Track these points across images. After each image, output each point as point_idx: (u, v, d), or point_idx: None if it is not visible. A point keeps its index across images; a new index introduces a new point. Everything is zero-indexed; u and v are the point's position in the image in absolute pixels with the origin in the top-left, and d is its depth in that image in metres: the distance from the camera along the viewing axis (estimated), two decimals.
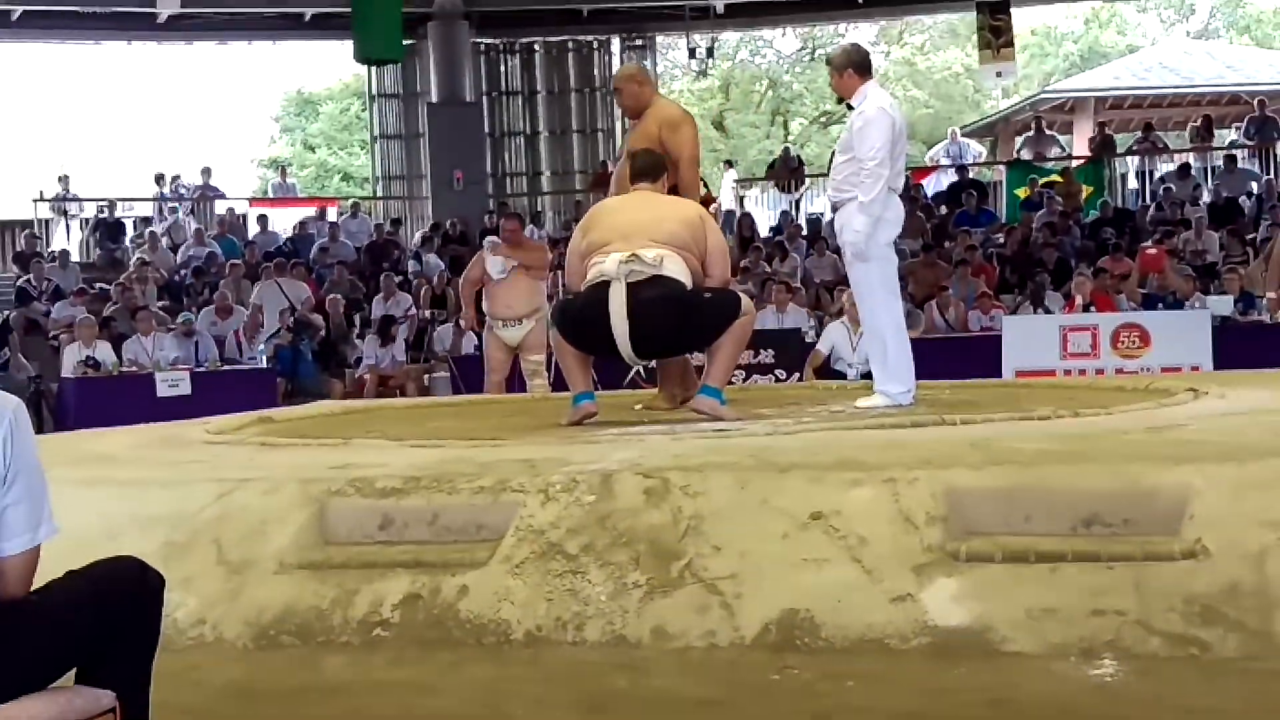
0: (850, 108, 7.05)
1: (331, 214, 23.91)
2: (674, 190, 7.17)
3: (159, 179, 24.34)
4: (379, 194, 26.23)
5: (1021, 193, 21.96)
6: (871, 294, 7.05)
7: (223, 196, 24.37)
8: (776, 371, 13.66)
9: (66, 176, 23.62)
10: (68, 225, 23.14)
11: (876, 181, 6.76)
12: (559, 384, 9.14)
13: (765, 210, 24.35)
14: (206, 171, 24.49)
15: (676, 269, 6.49)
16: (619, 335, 6.48)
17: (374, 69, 25.14)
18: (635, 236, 6.54)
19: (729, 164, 27.43)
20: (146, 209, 23.89)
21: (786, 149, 27.91)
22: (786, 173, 24.93)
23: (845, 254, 7.11)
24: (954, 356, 13.27)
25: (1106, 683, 3.70)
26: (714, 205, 7.94)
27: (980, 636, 3.96)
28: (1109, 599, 3.94)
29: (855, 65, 7.00)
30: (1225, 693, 3.56)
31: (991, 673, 3.78)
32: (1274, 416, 5.73)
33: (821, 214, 22.37)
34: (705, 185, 7.69)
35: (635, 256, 6.42)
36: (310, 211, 24.05)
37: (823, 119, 41.43)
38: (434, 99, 24.50)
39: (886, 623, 4.04)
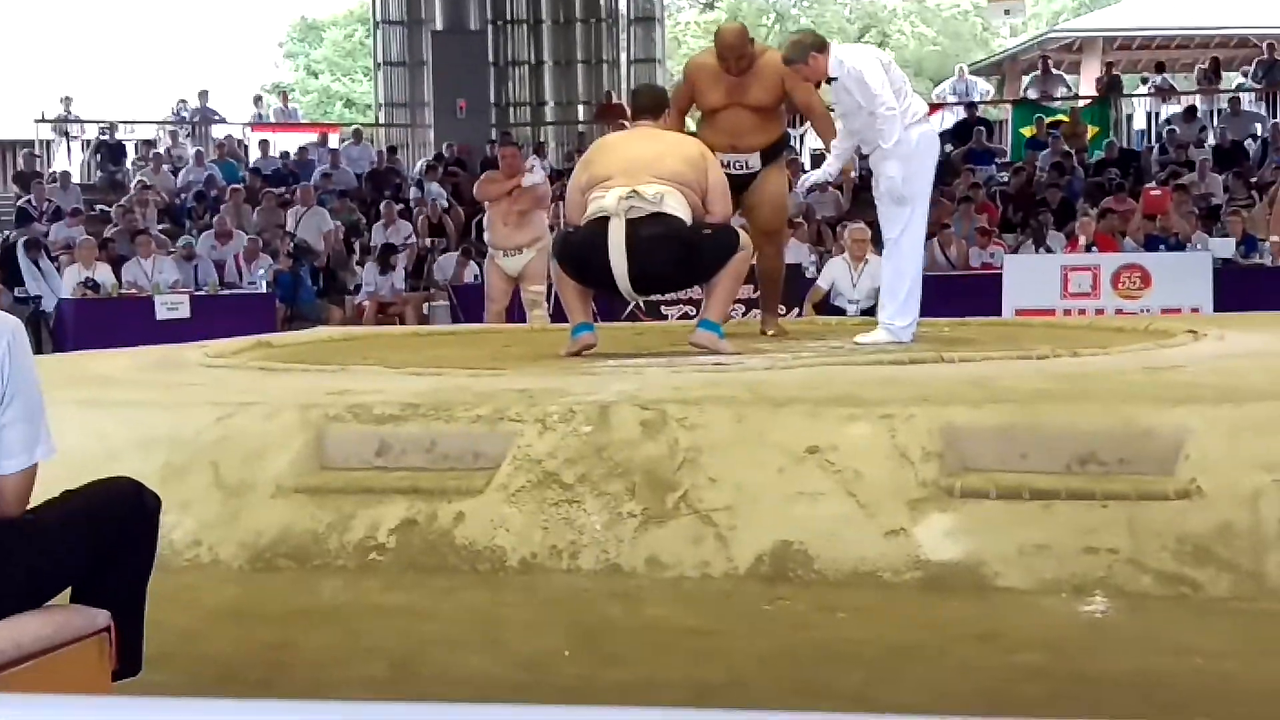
0: (832, 81, 6.99)
1: (333, 140, 23.78)
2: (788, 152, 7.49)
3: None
4: (381, 121, 26.10)
5: (1027, 132, 21.85)
6: (907, 229, 6.98)
7: (222, 120, 24.23)
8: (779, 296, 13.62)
9: (69, 98, 23.49)
10: (69, 146, 23.04)
11: (894, 123, 6.73)
12: (559, 315, 9.14)
13: None
14: (204, 95, 24.35)
15: (677, 205, 6.48)
16: (618, 272, 6.48)
17: None
18: (637, 172, 6.52)
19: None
20: (149, 131, 23.77)
21: None
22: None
23: (881, 196, 7.05)
24: (955, 295, 13.24)
25: (1097, 619, 3.73)
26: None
27: (973, 571, 3.98)
28: (1102, 537, 3.96)
29: (813, 46, 6.94)
30: (1216, 632, 3.58)
31: (983, 607, 3.81)
32: (1272, 360, 5.74)
33: (825, 150, 22.24)
34: None
35: (636, 193, 6.40)
36: (312, 138, 23.94)
37: None
38: (438, 26, 24.31)
39: (879, 556, 4.06)
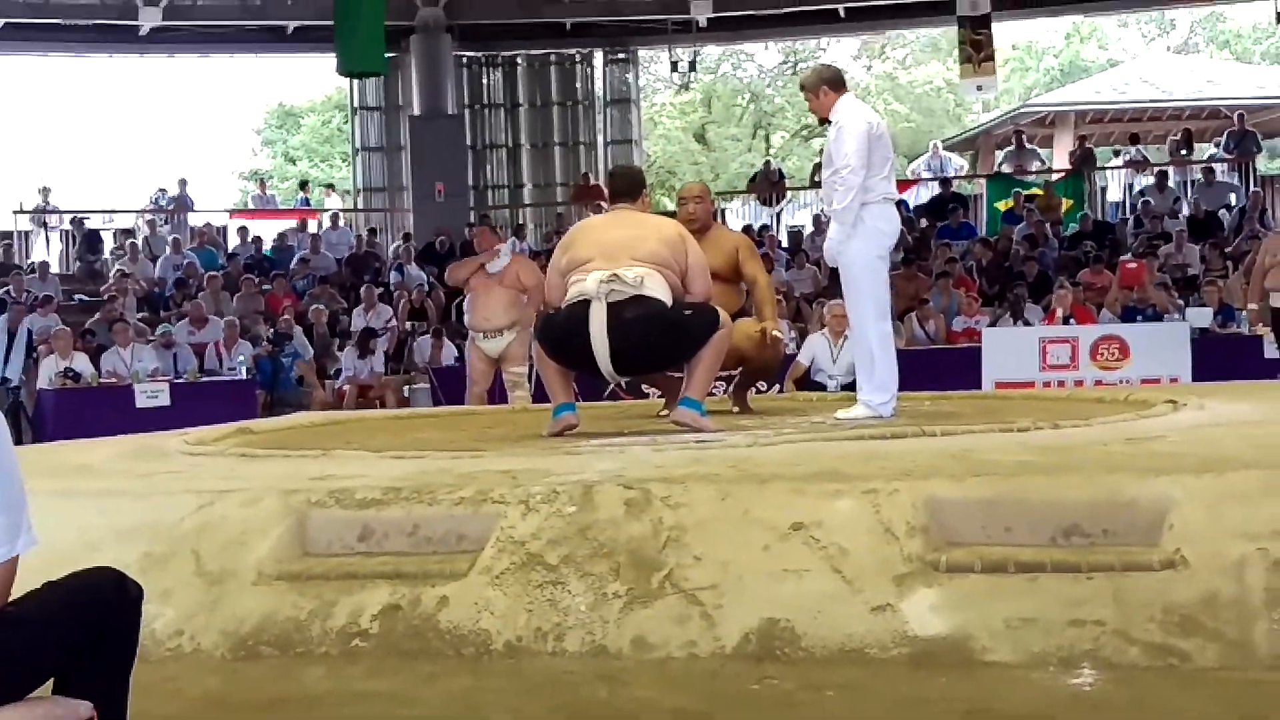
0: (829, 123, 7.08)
1: (312, 226, 23.87)
2: (742, 313, 7.83)
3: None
4: (360, 206, 26.19)
5: (1003, 206, 22.03)
6: (860, 303, 7.02)
7: (194, 209, 24.32)
8: (757, 383, 13.64)
9: (47, 188, 23.57)
10: (47, 236, 23.09)
11: (849, 190, 6.76)
12: (540, 395, 9.14)
13: (746, 223, 24.39)
14: (183, 183, 24.45)
15: (656, 287, 6.51)
16: (599, 354, 6.50)
17: (356, 82, 25.09)
18: (617, 255, 6.56)
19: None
20: (127, 221, 23.83)
21: (768, 162, 27.95)
22: (768, 186, 24.97)
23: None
24: (934, 368, 13.30)
25: (1085, 692, 3.70)
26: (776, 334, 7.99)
27: (960, 646, 3.96)
28: (1088, 609, 3.95)
29: (829, 81, 7.02)
30: (1204, 702, 3.56)
31: (971, 682, 3.79)
32: (1252, 428, 5.75)
33: (802, 227, 22.41)
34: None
35: (616, 276, 6.44)
36: (291, 223, 24.01)
37: (804, 132, 41.49)
38: (416, 111, 24.46)
39: (866, 633, 4.04)
